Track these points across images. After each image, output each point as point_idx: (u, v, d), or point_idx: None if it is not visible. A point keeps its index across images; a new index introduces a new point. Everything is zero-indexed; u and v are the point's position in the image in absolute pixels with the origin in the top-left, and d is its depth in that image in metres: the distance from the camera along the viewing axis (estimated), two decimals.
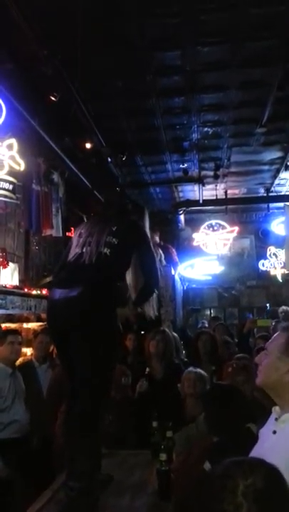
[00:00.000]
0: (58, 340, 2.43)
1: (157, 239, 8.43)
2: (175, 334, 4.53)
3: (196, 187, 9.75)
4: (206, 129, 7.14)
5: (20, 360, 3.98)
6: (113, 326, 2.23)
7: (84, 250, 2.31)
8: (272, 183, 9.77)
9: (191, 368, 3.17)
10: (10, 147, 4.34)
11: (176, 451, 2.41)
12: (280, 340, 1.47)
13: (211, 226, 11.02)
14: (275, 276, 11.10)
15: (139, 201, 3.21)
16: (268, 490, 0.98)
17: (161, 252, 8.14)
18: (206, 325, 8.06)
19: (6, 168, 4.28)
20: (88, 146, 6.40)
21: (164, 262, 8.25)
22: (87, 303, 2.11)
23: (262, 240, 11.65)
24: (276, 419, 1.41)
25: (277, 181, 9.59)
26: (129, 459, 2.44)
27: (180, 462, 2.18)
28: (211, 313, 11.61)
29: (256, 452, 1.41)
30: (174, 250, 8.98)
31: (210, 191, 9.95)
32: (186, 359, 4.79)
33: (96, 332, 2.10)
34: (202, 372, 3.09)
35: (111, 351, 2.20)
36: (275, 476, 1.02)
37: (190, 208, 10.65)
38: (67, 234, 6.65)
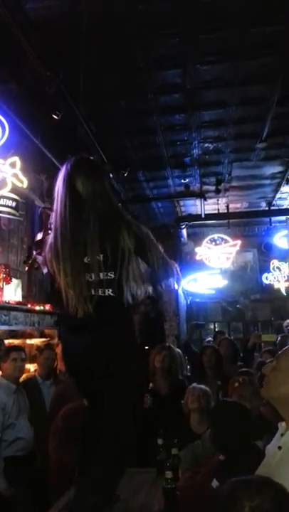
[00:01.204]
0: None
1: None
2: (178, 350, 4.52)
3: (197, 201, 9.80)
4: (206, 144, 7.21)
5: (24, 376, 3.97)
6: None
7: (76, 297, 1.92)
8: (273, 197, 9.81)
9: (194, 384, 3.16)
10: (13, 165, 4.39)
11: (182, 468, 2.39)
12: None
13: (213, 240, 11.04)
14: (278, 290, 11.06)
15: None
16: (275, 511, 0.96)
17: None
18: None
19: (9, 186, 4.32)
20: None
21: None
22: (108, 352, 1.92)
23: (265, 253, 11.65)
24: (282, 434, 1.40)
25: (278, 195, 9.64)
26: (134, 477, 2.41)
27: (186, 480, 2.16)
28: (215, 327, 11.55)
29: (263, 469, 1.39)
30: (176, 265, 9.00)
31: (212, 205, 10.00)
32: (189, 374, 4.76)
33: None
34: (206, 388, 3.07)
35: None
36: (283, 497, 1.00)
37: (192, 223, 10.68)
38: None
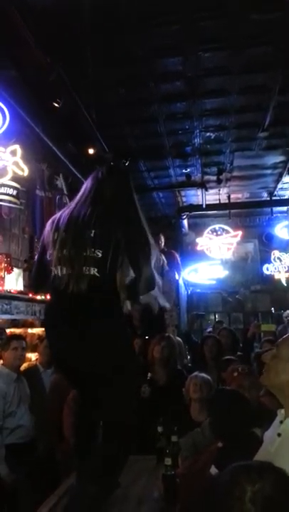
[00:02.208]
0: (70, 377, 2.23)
1: (162, 244, 8.47)
2: (179, 339, 4.53)
3: (199, 191, 9.77)
4: (208, 133, 7.17)
5: (25, 365, 3.99)
6: (130, 352, 2.05)
7: (63, 272, 1.92)
8: (275, 187, 9.77)
9: (196, 373, 3.16)
10: (13, 153, 4.37)
11: (181, 456, 2.41)
12: None
13: (214, 230, 11.02)
14: (279, 281, 11.06)
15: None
16: (276, 495, 0.96)
17: (164, 257, 8.17)
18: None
19: (10, 174, 4.30)
20: (91, 151, 6.43)
21: (167, 267, 8.27)
22: (100, 348, 1.88)
23: (266, 244, 11.63)
24: (281, 421, 1.41)
25: (280, 185, 9.60)
26: (134, 465, 2.43)
27: (186, 467, 2.18)
28: (215, 318, 11.58)
29: (261, 456, 1.40)
30: (177, 255, 9.00)
31: (213, 196, 9.96)
32: (189, 364, 4.78)
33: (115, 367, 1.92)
34: (208, 377, 3.08)
35: (134, 376, 2.07)
36: (284, 481, 1.00)
37: (193, 213, 10.65)
38: None
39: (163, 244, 8.47)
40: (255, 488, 0.95)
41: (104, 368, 1.93)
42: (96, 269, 1.89)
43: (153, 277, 2.03)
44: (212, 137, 7.29)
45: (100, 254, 1.90)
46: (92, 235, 1.92)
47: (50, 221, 2.14)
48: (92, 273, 1.88)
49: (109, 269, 1.92)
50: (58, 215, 2.13)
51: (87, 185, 2.18)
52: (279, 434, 1.37)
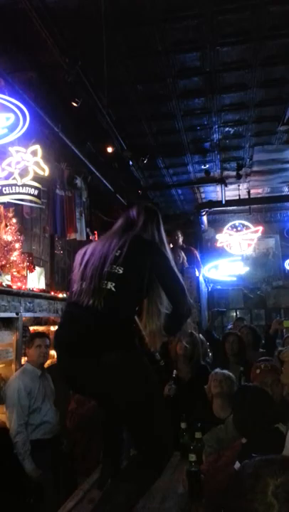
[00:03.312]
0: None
1: (181, 241, 8.46)
2: (202, 336, 4.51)
3: (218, 187, 9.70)
4: (227, 128, 7.10)
5: (49, 362, 4.05)
6: (143, 373, 1.89)
7: (82, 286, 1.92)
8: None
9: (218, 369, 3.16)
10: (34, 153, 4.42)
11: (205, 452, 2.41)
12: None
13: (234, 226, 10.93)
14: None
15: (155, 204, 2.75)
16: None
17: (183, 254, 8.15)
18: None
19: (31, 174, 4.36)
20: (110, 150, 6.46)
21: (186, 264, 8.26)
22: (111, 374, 1.79)
23: (287, 239, 11.48)
24: None
25: None
26: None
27: (210, 463, 2.18)
28: (236, 314, 11.49)
29: (286, 452, 1.39)
30: (197, 252, 8.96)
31: (233, 191, 9.88)
32: (208, 360, 4.76)
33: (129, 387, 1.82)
34: (229, 373, 3.07)
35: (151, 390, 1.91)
36: None
37: (213, 209, 10.59)
38: (90, 238, 6.73)
39: (181, 240, 8.47)
40: (277, 482, 0.95)
41: (117, 395, 1.85)
42: (113, 284, 1.86)
43: (187, 307, 2.00)
44: (231, 132, 7.23)
45: (121, 271, 1.88)
46: (117, 254, 1.93)
47: (79, 253, 2.16)
48: (108, 287, 1.86)
49: (128, 287, 1.89)
50: (87, 247, 2.16)
51: (118, 222, 2.25)
52: None
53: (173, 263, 2.04)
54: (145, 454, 1.85)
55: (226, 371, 3.07)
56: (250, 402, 2.09)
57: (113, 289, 1.85)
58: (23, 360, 3.91)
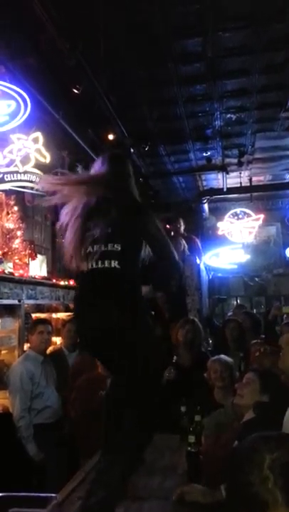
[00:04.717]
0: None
1: (182, 229, 8.46)
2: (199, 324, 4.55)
3: (219, 175, 9.66)
4: (229, 115, 7.06)
5: (51, 348, 4.10)
6: (149, 338, 2.08)
7: (89, 267, 2.03)
8: None
9: (216, 356, 3.17)
10: (36, 140, 4.42)
11: (204, 434, 2.45)
12: None
13: (235, 214, 10.90)
14: None
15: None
16: None
17: (184, 242, 8.15)
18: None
19: (33, 161, 4.36)
20: (111, 137, 6.43)
21: (188, 252, 8.26)
22: (121, 332, 1.94)
23: (288, 227, 11.46)
24: None
25: None
26: (158, 443, 2.49)
27: (209, 445, 2.22)
28: (237, 302, 11.54)
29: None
30: (198, 240, 8.96)
31: (234, 179, 9.84)
32: (209, 348, 4.82)
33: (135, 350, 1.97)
34: (227, 358, 3.08)
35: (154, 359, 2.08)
36: None
37: (214, 197, 10.56)
38: None
39: (182, 228, 8.47)
40: (273, 457, 0.99)
41: (125, 351, 1.98)
42: (117, 262, 1.99)
43: (175, 265, 2.17)
44: (233, 119, 7.18)
45: (120, 248, 2.01)
46: (109, 231, 2.02)
47: (67, 211, 2.21)
48: (113, 266, 1.99)
49: (129, 260, 2.04)
50: (75, 205, 2.19)
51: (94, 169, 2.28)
52: None
53: (157, 222, 2.13)
54: (138, 414, 1.96)
55: (223, 357, 3.07)
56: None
57: (118, 266, 1.99)
58: (26, 346, 3.96)
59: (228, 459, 1.61)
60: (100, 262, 2.00)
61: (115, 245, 2.00)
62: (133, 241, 2.07)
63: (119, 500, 1.84)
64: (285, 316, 5.22)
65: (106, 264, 1.99)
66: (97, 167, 2.30)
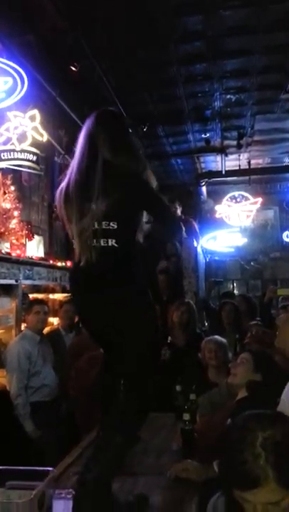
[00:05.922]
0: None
1: (179, 212, 8.43)
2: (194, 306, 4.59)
3: (218, 157, 9.60)
4: (228, 96, 6.98)
5: (48, 329, 4.13)
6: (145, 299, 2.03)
7: (84, 247, 1.96)
8: None
9: (211, 337, 3.21)
10: (33, 118, 4.36)
11: (199, 413, 2.50)
12: None
13: (233, 198, 10.86)
14: None
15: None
16: (287, 442, 1.02)
17: (182, 225, 8.15)
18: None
19: (30, 140, 4.31)
20: None
21: (185, 235, 8.26)
22: (119, 308, 1.93)
23: (286, 211, 11.46)
24: None
25: None
26: (153, 421, 2.53)
27: (203, 423, 2.27)
28: (233, 285, 11.61)
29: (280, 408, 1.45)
30: (195, 223, 8.95)
31: (233, 161, 9.78)
32: (204, 329, 4.86)
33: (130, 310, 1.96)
34: (222, 339, 3.11)
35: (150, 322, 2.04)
36: None
37: (212, 180, 10.50)
38: None
39: (179, 211, 8.45)
40: (266, 434, 1.01)
41: (122, 327, 1.98)
42: (114, 240, 1.95)
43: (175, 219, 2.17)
44: (233, 100, 7.10)
45: (116, 226, 1.95)
46: (103, 209, 1.94)
47: (58, 193, 2.12)
48: (110, 244, 1.95)
49: (126, 236, 1.99)
50: (64, 185, 2.10)
51: (80, 140, 2.14)
52: None
53: (150, 184, 2.07)
54: (136, 391, 1.97)
55: (217, 337, 3.11)
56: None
57: (115, 244, 1.94)
58: (23, 326, 3.99)
59: (221, 436, 1.64)
60: (95, 241, 1.95)
61: (111, 223, 1.95)
62: (130, 217, 2.01)
63: (115, 476, 1.89)
64: (280, 298, 5.24)
65: (102, 243, 1.95)
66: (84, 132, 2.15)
